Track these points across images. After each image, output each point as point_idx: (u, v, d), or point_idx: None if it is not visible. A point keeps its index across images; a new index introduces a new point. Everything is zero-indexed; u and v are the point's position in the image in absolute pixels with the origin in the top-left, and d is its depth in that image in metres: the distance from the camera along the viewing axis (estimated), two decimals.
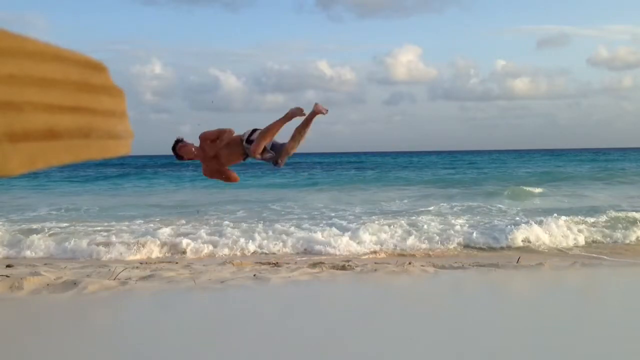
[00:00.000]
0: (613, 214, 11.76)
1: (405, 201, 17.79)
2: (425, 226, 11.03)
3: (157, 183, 27.91)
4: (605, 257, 8.74)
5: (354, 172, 37.17)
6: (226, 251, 9.15)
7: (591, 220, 11.46)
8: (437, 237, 9.94)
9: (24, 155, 0.36)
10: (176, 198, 18.25)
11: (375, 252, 9.22)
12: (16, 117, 0.35)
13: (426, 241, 9.78)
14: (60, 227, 11.89)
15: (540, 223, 10.59)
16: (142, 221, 12.51)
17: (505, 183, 23.91)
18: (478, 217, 12.48)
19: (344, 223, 12.02)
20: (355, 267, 6.37)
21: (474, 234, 9.96)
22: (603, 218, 11.57)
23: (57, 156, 0.38)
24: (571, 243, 9.78)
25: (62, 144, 0.38)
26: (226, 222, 11.65)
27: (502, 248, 9.41)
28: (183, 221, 12.20)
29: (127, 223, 12.39)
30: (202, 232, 10.37)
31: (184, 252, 9.13)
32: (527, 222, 10.76)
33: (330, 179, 29.66)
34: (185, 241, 9.59)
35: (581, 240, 9.89)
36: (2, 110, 0.35)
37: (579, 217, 11.70)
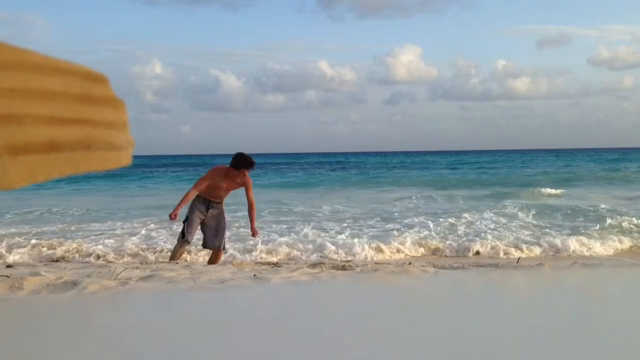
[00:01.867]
0: (634, 219, 11.44)
1: (413, 199, 17.60)
2: (434, 232, 10.76)
3: (158, 183, 27.89)
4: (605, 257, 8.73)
5: (356, 172, 37.10)
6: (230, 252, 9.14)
7: (612, 223, 11.14)
8: (442, 243, 9.71)
9: (24, 168, 0.36)
10: (177, 198, 18.25)
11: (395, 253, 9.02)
12: (17, 130, 0.36)
13: (429, 244, 9.66)
14: (59, 228, 11.91)
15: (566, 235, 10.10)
16: (143, 221, 12.52)
17: (516, 183, 23.39)
18: (493, 222, 11.96)
19: (347, 225, 12.02)
20: (355, 267, 6.37)
21: (479, 243, 9.61)
22: (621, 222, 11.23)
23: (58, 168, 0.38)
24: (597, 251, 9.45)
25: (62, 156, 0.38)
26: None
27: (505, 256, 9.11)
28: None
29: (127, 223, 12.41)
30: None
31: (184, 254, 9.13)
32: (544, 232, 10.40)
33: (331, 180, 29.61)
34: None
35: (600, 250, 9.55)
36: (3, 123, 0.35)
37: (598, 222, 11.32)
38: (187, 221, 7.20)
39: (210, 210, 7.21)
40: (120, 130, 0.44)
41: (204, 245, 7.46)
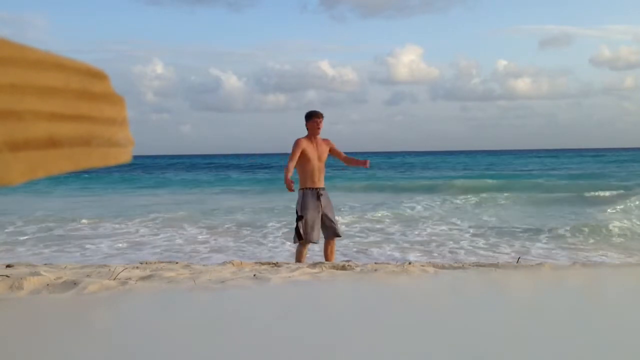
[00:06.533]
0: None
1: (429, 201, 17.31)
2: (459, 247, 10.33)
3: (159, 182, 27.83)
4: (606, 257, 8.72)
5: (361, 173, 36.94)
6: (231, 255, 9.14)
7: None
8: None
9: (24, 164, 0.36)
10: (177, 198, 18.25)
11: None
12: (17, 126, 0.36)
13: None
14: (60, 230, 11.91)
15: None
16: (144, 220, 12.53)
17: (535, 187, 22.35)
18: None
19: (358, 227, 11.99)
20: (355, 267, 6.37)
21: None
22: None
23: (58, 164, 0.38)
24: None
25: (62, 152, 0.38)
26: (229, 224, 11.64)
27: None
28: (184, 222, 12.21)
29: (128, 223, 12.41)
30: (203, 235, 10.40)
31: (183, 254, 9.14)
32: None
33: (334, 180, 29.53)
34: (183, 243, 9.60)
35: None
36: (3, 119, 0.35)
37: None
38: (302, 220, 6.78)
39: (322, 199, 6.91)
40: (119, 127, 0.44)
41: (326, 238, 7.02)
